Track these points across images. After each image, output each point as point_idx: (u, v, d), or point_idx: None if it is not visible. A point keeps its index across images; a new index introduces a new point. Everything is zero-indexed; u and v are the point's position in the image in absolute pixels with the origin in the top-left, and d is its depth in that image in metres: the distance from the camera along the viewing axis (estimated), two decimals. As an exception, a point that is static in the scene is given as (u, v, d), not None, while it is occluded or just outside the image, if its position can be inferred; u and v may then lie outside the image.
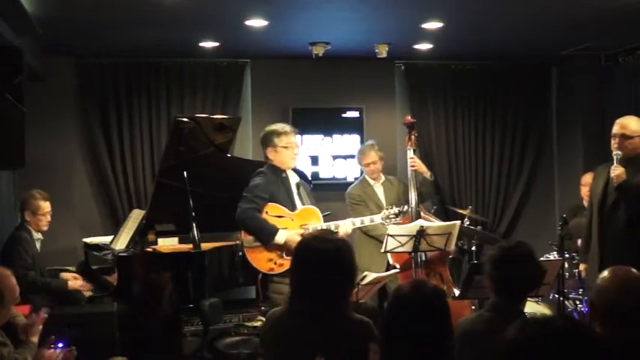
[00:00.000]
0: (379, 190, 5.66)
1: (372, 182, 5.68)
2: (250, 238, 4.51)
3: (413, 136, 5.45)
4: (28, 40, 5.43)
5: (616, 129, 4.50)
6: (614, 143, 4.47)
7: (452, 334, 2.27)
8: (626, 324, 2.36)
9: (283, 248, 4.46)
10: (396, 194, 5.59)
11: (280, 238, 4.43)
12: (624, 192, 4.35)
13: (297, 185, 4.77)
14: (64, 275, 5.32)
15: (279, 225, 4.55)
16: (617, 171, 4.35)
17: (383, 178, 5.69)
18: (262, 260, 4.50)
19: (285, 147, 4.71)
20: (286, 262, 4.41)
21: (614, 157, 4.42)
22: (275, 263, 4.49)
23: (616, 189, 4.38)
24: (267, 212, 4.59)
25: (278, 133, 4.70)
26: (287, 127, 4.76)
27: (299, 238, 4.31)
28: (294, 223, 4.55)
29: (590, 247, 4.60)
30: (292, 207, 4.65)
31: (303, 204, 4.72)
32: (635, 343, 2.34)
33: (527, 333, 1.67)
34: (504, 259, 2.88)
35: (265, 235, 4.46)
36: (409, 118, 5.62)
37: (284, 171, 4.73)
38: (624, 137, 4.43)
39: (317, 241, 2.58)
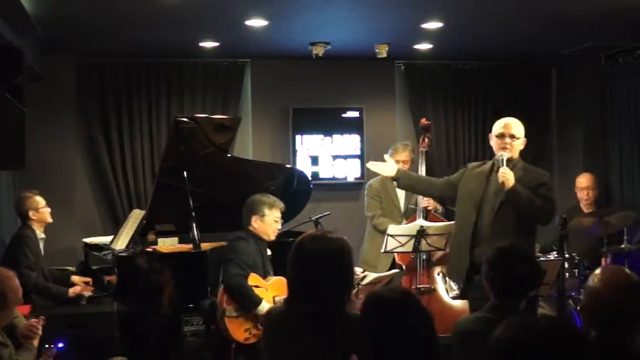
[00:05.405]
0: (400, 192, 5.69)
1: None
2: (232, 307, 4.48)
3: (427, 139, 5.48)
4: (28, 40, 5.43)
5: (505, 129, 4.26)
6: (502, 143, 4.24)
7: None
8: (619, 324, 2.36)
9: (260, 319, 4.45)
10: (414, 197, 5.62)
11: (263, 308, 4.42)
12: (515, 196, 4.09)
13: (269, 257, 4.80)
14: (74, 279, 5.32)
15: None
16: (508, 175, 4.09)
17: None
18: (240, 330, 4.49)
19: (275, 220, 4.73)
20: (260, 332, 4.43)
21: (501, 159, 4.18)
22: (250, 333, 4.51)
23: (506, 193, 4.10)
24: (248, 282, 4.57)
25: (270, 206, 4.72)
26: (278, 202, 4.77)
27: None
28: (268, 293, 4.57)
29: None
30: (265, 276, 4.66)
31: (270, 274, 4.73)
32: (628, 343, 2.34)
33: (511, 333, 1.68)
34: (500, 260, 2.88)
35: (250, 304, 4.46)
36: (425, 120, 5.62)
37: (264, 240, 4.74)
38: (513, 138, 4.26)
39: (313, 241, 2.56)
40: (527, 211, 4.14)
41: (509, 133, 4.27)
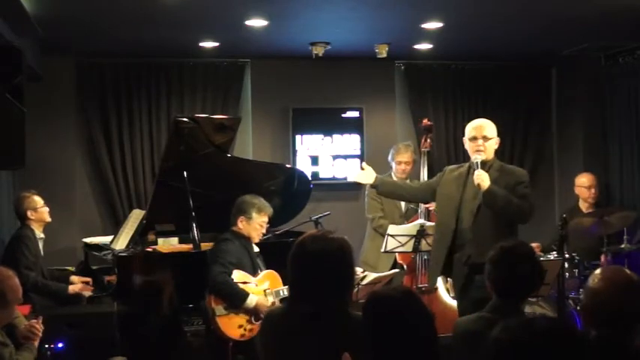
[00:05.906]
0: None
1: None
2: (221, 306, 4.48)
3: (429, 139, 5.48)
4: (28, 40, 5.43)
5: (477, 132, 4.25)
6: (475, 146, 4.22)
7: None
8: (619, 324, 2.36)
9: (252, 313, 4.47)
10: None
11: (251, 302, 4.45)
12: (492, 198, 4.05)
13: (257, 254, 4.80)
14: (73, 279, 5.32)
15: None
16: (482, 176, 4.07)
17: (408, 181, 5.75)
18: (233, 327, 4.49)
19: (260, 225, 4.74)
20: (255, 327, 4.44)
21: (475, 163, 4.16)
22: (245, 329, 4.51)
23: (482, 195, 4.07)
24: (232, 279, 4.57)
25: (259, 210, 4.72)
26: (268, 208, 4.77)
27: (267, 302, 4.41)
28: (257, 288, 4.58)
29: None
30: (254, 273, 4.67)
31: (261, 270, 4.74)
32: (628, 343, 2.34)
33: (510, 333, 1.68)
34: (504, 260, 2.88)
35: (237, 300, 4.46)
36: (427, 120, 5.61)
37: (249, 239, 4.75)
38: (485, 139, 4.23)
39: (313, 241, 2.55)
40: (505, 212, 4.10)
41: (482, 135, 4.24)
